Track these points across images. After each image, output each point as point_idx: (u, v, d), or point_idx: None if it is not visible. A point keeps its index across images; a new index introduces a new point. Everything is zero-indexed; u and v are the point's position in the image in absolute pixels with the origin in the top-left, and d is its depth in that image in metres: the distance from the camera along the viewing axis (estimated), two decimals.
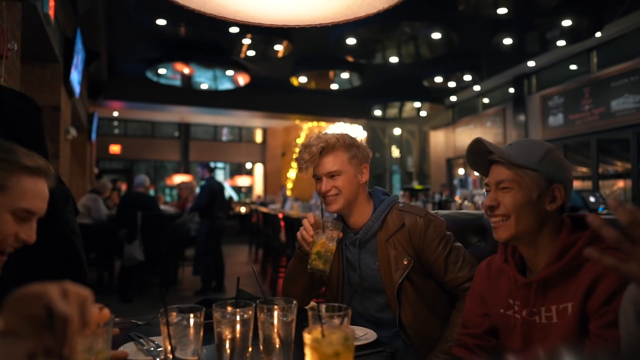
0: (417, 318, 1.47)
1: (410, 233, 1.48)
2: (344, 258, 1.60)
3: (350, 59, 8.14)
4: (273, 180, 15.94)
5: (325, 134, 1.55)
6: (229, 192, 15.77)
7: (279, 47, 7.74)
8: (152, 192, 13.01)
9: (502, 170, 1.12)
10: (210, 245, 5.59)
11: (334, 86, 10.38)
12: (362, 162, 1.55)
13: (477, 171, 1.24)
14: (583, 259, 1.02)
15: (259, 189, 16.02)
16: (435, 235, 1.47)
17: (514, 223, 1.09)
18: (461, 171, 12.71)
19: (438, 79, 9.50)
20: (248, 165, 16.26)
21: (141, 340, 1.12)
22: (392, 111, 12.23)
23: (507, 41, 7.43)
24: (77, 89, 5.79)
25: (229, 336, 0.84)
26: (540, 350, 0.99)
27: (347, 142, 1.53)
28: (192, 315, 0.82)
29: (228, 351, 0.84)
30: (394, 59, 8.20)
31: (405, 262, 1.46)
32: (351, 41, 7.36)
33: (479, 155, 1.19)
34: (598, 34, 7.41)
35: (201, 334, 0.82)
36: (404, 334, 1.47)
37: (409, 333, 1.47)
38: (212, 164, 16.12)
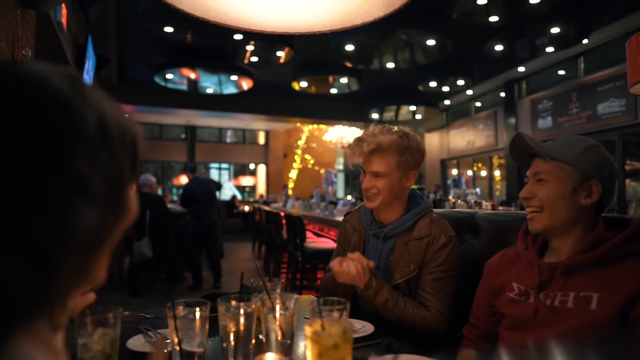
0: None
1: (428, 244, 1.45)
2: (364, 251, 1.58)
3: (348, 64, 8.14)
4: (275, 180, 15.94)
5: (383, 132, 1.47)
6: (233, 190, 15.78)
7: (280, 53, 7.74)
8: (159, 191, 13.01)
9: (540, 163, 1.11)
10: (198, 244, 5.50)
11: (333, 90, 10.38)
12: (411, 168, 1.49)
13: (519, 162, 1.21)
14: (621, 255, 0.99)
15: (261, 189, 16.02)
16: (445, 258, 1.44)
17: (547, 215, 1.08)
18: (454, 171, 12.70)
19: (432, 84, 9.49)
20: (251, 166, 16.26)
21: (149, 332, 1.12)
22: (389, 114, 12.24)
23: (499, 47, 7.43)
24: None
25: (233, 329, 0.84)
26: (532, 345, 0.98)
27: (401, 147, 1.46)
28: (198, 309, 0.82)
29: (232, 343, 0.84)
30: (390, 65, 8.20)
31: (411, 268, 1.44)
32: (350, 47, 7.36)
33: (521, 148, 1.16)
34: (585, 41, 7.41)
35: (207, 326, 0.82)
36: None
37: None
38: (216, 165, 16.16)
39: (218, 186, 6.02)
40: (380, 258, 1.52)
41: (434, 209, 1.57)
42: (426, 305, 1.42)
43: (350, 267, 1.36)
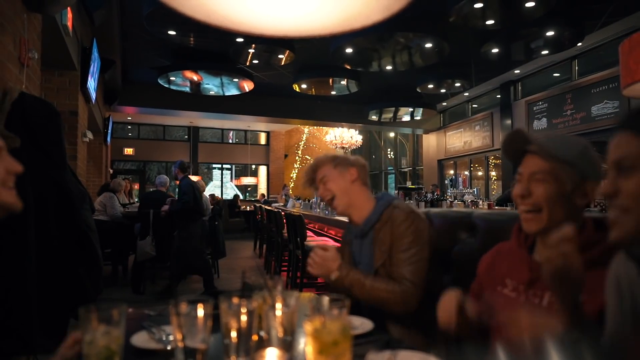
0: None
1: (392, 226, 1.57)
2: (352, 252, 1.71)
3: (348, 66, 8.14)
4: (276, 180, 15.94)
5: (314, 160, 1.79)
6: (235, 190, 15.78)
7: (281, 56, 7.74)
8: None
9: (537, 162, 1.04)
10: (200, 246, 5.04)
11: (333, 92, 10.38)
12: (348, 166, 1.69)
13: (510, 159, 1.15)
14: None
15: (262, 189, 16.02)
16: (406, 231, 1.54)
17: (546, 216, 1.02)
18: (451, 172, 12.70)
19: (430, 86, 9.49)
20: (253, 167, 16.27)
21: (153, 329, 1.12)
22: (387, 115, 12.23)
23: (495, 50, 7.43)
24: (93, 95, 5.78)
25: (234, 325, 0.84)
26: (527, 341, 0.98)
27: (329, 157, 1.73)
28: (200, 306, 0.82)
29: (234, 339, 0.84)
30: (389, 67, 8.20)
31: (383, 249, 1.56)
32: (349, 50, 7.36)
33: (515, 144, 1.11)
34: (579, 44, 7.41)
35: (209, 323, 0.82)
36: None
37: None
38: (219, 165, 16.14)
39: None
40: (362, 255, 1.65)
41: (432, 209, 1.61)
42: (397, 279, 1.51)
43: (320, 260, 1.53)
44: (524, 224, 1.07)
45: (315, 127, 16.08)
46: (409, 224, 1.55)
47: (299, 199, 9.42)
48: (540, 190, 1.03)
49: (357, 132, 12.92)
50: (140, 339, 1.06)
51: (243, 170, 16.36)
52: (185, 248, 4.79)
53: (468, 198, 6.48)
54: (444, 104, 12.26)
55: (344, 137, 12.44)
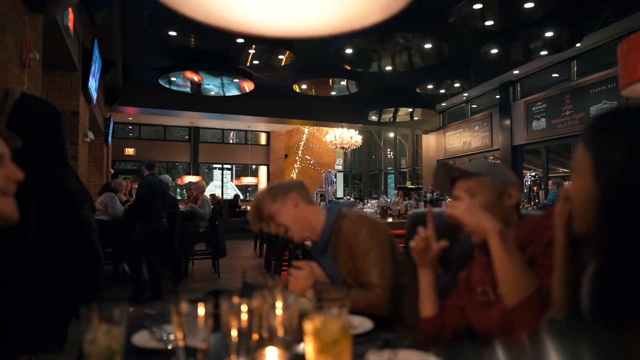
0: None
1: (346, 237, 1.59)
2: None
3: (348, 67, 8.14)
4: (275, 181, 15.94)
5: (255, 199, 1.75)
6: (236, 191, 15.78)
7: (282, 57, 7.74)
8: None
9: (465, 182, 1.28)
10: (150, 249, 4.78)
11: (333, 93, 10.38)
12: (286, 193, 1.68)
13: (442, 191, 1.39)
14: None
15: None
16: (359, 238, 1.55)
17: None
18: None
19: (430, 86, 9.49)
20: (253, 167, 16.27)
21: (154, 328, 1.12)
22: (387, 116, 12.23)
23: (494, 51, 7.43)
24: (94, 95, 5.78)
25: (235, 325, 0.84)
26: (525, 338, 0.99)
27: (265, 193, 1.71)
28: (201, 305, 0.82)
29: (234, 339, 0.84)
30: (388, 68, 8.20)
31: (345, 259, 1.58)
32: (349, 51, 7.36)
33: (444, 176, 1.34)
34: (578, 45, 7.41)
35: (210, 323, 0.82)
36: None
37: None
38: (219, 165, 16.14)
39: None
40: (327, 269, 1.66)
41: (433, 208, 1.60)
42: (366, 286, 1.52)
43: (293, 279, 1.55)
44: (473, 237, 1.22)
45: (315, 128, 16.07)
46: (358, 230, 1.57)
47: None
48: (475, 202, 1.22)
49: (357, 132, 12.91)
50: (141, 338, 1.06)
51: (243, 170, 16.36)
52: (132, 244, 4.90)
53: None
54: (444, 104, 12.26)
55: (343, 137, 12.44)
